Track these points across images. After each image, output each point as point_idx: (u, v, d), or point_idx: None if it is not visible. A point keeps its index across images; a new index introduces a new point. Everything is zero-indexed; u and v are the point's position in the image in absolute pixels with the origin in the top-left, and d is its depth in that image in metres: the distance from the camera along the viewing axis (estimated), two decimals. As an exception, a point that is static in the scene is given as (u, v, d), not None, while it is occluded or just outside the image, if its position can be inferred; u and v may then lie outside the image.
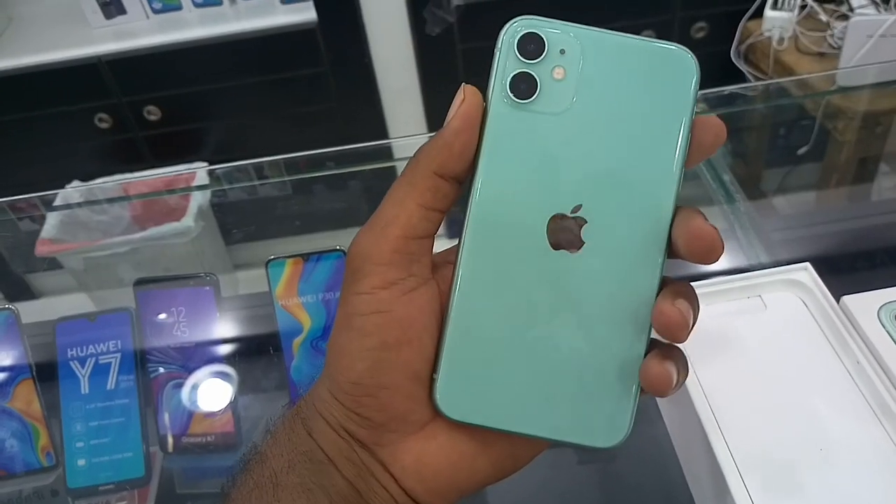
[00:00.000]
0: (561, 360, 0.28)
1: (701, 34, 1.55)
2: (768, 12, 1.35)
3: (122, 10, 1.56)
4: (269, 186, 0.93)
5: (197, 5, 1.57)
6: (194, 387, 0.57)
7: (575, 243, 0.28)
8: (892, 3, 1.29)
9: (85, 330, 0.58)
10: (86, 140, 1.61)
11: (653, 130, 0.27)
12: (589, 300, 0.28)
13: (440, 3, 1.47)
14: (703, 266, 0.39)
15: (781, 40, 1.34)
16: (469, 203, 0.28)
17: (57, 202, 0.99)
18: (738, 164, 0.88)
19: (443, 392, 0.28)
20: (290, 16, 1.50)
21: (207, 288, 0.58)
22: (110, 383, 0.57)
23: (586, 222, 0.27)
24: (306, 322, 0.55)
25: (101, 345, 0.57)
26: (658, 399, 0.51)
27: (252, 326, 0.63)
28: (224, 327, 0.58)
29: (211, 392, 0.57)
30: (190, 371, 0.57)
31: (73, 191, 1.08)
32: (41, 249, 1.17)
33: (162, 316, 0.58)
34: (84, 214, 1.29)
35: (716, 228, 0.26)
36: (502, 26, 0.28)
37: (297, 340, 0.55)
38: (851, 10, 1.29)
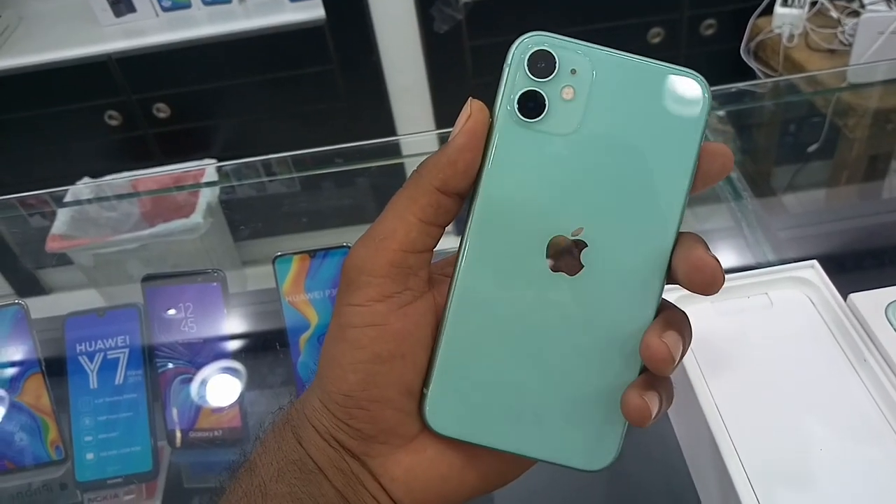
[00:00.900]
0: (551, 382, 0.28)
1: (710, 31, 1.54)
2: (778, 9, 1.34)
3: (131, 9, 1.57)
4: (277, 183, 0.93)
5: (206, 3, 1.57)
6: (202, 382, 0.58)
7: (574, 267, 0.27)
8: (903, 0, 1.28)
9: (94, 325, 0.58)
10: (96, 137, 1.62)
11: (660, 157, 0.27)
12: (583, 324, 0.28)
13: (448, 0, 1.47)
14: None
15: (791, 37, 1.33)
16: (469, 218, 0.28)
17: (67, 198, 0.99)
18: (746, 161, 0.87)
19: (432, 407, 0.28)
20: (299, 14, 1.51)
21: (215, 284, 0.58)
22: (118, 378, 0.57)
23: (586, 246, 0.27)
24: (313, 318, 0.55)
25: (110, 340, 0.58)
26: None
27: (259, 322, 0.63)
28: (231, 323, 0.58)
29: (218, 387, 0.58)
30: (197, 366, 0.58)
31: (83, 187, 1.09)
32: (51, 245, 1.18)
33: (170, 312, 0.58)
34: (94, 211, 1.30)
35: (717, 260, 0.26)
36: (513, 41, 0.27)
37: (304, 336, 0.55)
38: (862, 6, 1.28)
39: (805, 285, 0.48)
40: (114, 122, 1.58)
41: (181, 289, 0.58)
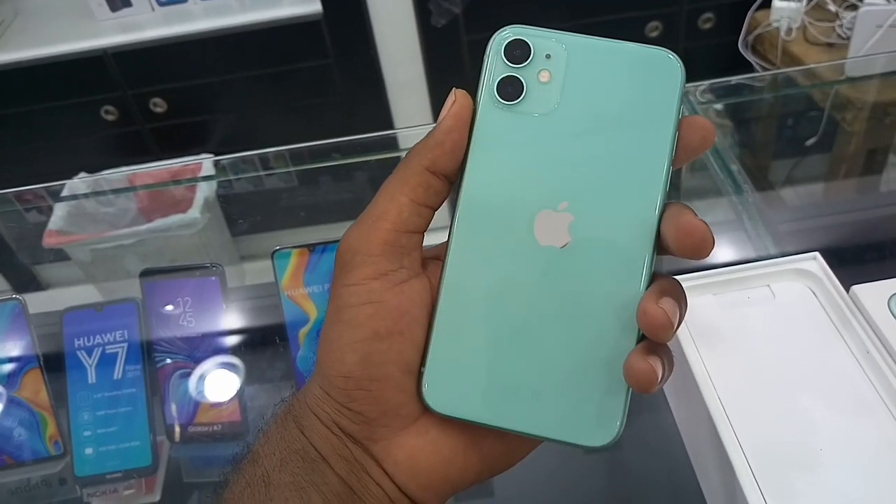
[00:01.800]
0: (548, 356, 0.28)
1: (708, 25, 1.54)
2: (776, 2, 1.34)
3: (127, 3, 1.57)
4: (274, 177, 0.92)
5: (202, -3, 1.56)
6: (201, 377, 0.57)
7: (562, 239, 0.28)
8: (902, -7, 1.28)
9: (92, 320, 0.58)
10: (92, 132, 1.61)
11: (638, 130, 0.28)
12: (577, 296, 0.28)
13: (446, -6, 1.47)
14: (708, 259, 0.39)
15: (790, 31, 1.33)
16: (458, 199, 0.29)
17: (64, 193, 0.99)
18: (746, 155, 0.87)
19: (430, 385, 0.28)
20: (296, 8, 1.50)
21: (213, 278, 0.58)
22: (117, 373, 0.57)
23: (573, 218, 0.28)
24: (312, 312, 0.55)
25: (108, 335, 0.57)
26: (666, 388, 0.51)
27: (258, 317, 0.63)
28: (230, 318, 0.58)
29: (217, 382, 0.58)
30: (196, 361, 0.57)
31: (79, 182, 1.08)
32: (48, 240, 1.17)
33: (168, 306, 0.58)
34: (91, 206, 1.29)
35: (706, 223, 0.26)
36: (496, 31, 0.29)
37: (303, 330, 0.55)
38: (861, -1, 1.28)
39: (807, 277, 0.48)
40: (110, 117, 1.58)
41: (179, 283, 0.58)
